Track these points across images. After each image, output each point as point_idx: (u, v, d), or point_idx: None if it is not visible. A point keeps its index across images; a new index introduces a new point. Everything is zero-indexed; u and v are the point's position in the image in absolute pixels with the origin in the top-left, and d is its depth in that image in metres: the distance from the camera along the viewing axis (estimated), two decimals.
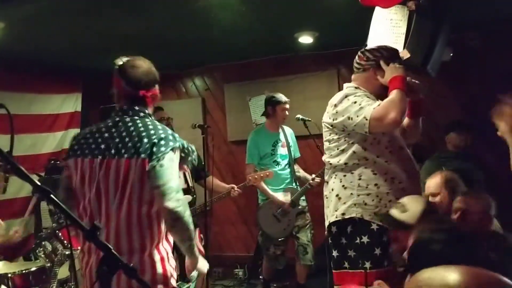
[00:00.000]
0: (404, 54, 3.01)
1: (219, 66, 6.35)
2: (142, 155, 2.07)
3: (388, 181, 2.68)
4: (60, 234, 3.64)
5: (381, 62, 2.72)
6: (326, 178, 2.90)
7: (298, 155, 5.00)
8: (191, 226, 2.16)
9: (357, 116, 2.59)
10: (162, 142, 2.09)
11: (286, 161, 4.80)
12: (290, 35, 4.99)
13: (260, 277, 5.33)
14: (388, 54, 2.77)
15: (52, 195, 1.23)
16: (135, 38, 4.90)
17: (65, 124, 5.97)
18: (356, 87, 2.77)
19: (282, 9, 4.21)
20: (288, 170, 4.79)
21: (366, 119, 2.55)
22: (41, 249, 3.62)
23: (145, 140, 2.08)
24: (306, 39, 5.10)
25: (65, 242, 3.61)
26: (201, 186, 4.48)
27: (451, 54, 3.92)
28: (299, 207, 4.70)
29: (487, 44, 4.96)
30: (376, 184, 2.67)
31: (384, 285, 2.52)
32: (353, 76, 2.88)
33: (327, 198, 2.85)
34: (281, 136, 4.85)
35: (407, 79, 2.70)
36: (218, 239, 6.18)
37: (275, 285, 5.45)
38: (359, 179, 2.68)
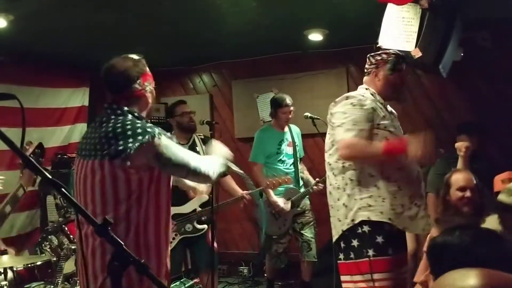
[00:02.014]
0: (416, 53, 3.00)
1: (227, 63, 6.33)
2: (106, 156, 1.98)
3: (385, 181, 2.72)
4: (66, 228, 3.63)
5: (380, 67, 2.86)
6: (327, 175, 2.95)
7: (302, 154, 4.97)
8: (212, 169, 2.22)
9: (334, 133, 2.78)
10: (129, 140, 1.97)
11: (291, 161, 4.78)
12: (300, 32, 4.96)
13: (265, 274, 5.32)
14: (387, 57, 2.86)
15: (63, 189, 1.21)
16: (143, 33, 4.89)
17: (72, 118, 5.97)
18: (366, 88, 2.90)
19: (292, 6, 4.19)
20: (293, 169, 4.76)
21: (335, 141, 2.76)
22: (47, 243, 3.61)
23: (112, 140, 1.99)
24: (316, 36, 5.07)
25: (71, 236, 3.60)
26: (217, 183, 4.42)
27: (462, 54, 3.89)
28: (298, 209, 4.68)
29: (498, 44, 4.92)
30: (375, 185, 2.72)
31: None
32: (364, 79, 2.99)
33: (332, 207, 2.90)
34: (288, 135, 4.82)
35: (400, 155, 2.70)
36: (223, 236, 6.17)
37: (279, 283, 5.44)
38: (358, 184, 2.74)
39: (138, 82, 2.18)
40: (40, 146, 2.82)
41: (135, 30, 4.77)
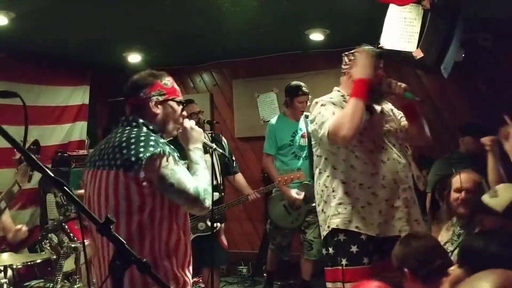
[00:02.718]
0: (418, 53, 2.98)
1: (228, 62, 6.33)
2: (120, 167, 1.98)
3: (356, 188, 2.67)
4: (66, 226, 3.63)
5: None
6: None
7: None
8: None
9: (321, 129, 2.64)
10: (141, 150, 1.97)
11: (305, 153, 4.67)
12: (301, 31, 4.96)
13: (264, 274, 5.31)
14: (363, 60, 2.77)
15: (65, 187, 1.21)
16: (144, 32, 4.88)
17: (72, 116, 5.97)
18: (338, 90, 2.85)
19: (294, 5, 4.18)
20: (307, 162, 4.61)
21: (324, 135, 2.60)
22: (47, 241, 3.60)
23: (124, 150, 1.99)
24: (317, 36, 5.06)
25: (71, 235, 3.60)
26: (228, 181, 4.43)
27: (463, 55, 3.88)
28: (312, 205, 4.66)
29: (499, 45, 4.91)
30: (346, 193, 2.68)
31: None
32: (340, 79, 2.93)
33: (316, 212, 2.90)
34: (302, 125, 4.70)
35: (364, 82, 2.62)
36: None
37: (279, 282, 5.43)
38: (333, 190, 2.72)
39: (143, 91, 2.18)
40: (35, 143, 2.82)
41: (136, 29, 4.76)
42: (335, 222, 2.67)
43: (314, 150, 2.89)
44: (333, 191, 2.70)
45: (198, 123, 4.29)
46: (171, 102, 2.20)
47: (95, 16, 4.26)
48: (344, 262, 2.63)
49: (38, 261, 3.59)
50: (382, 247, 2.69)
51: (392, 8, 3.13)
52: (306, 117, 4.68)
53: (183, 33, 4.96)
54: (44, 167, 1.21)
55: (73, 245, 3.53)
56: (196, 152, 2.24)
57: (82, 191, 2.20)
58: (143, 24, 4.58)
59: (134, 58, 5.78)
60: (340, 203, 2.67)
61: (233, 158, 4.43)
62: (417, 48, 2.98)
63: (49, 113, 5.67)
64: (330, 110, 2.66)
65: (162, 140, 2.08)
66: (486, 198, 2.52)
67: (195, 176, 2.12)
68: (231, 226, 6.23)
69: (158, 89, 2.18)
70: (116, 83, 6.39)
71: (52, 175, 1.21)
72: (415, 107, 2.88)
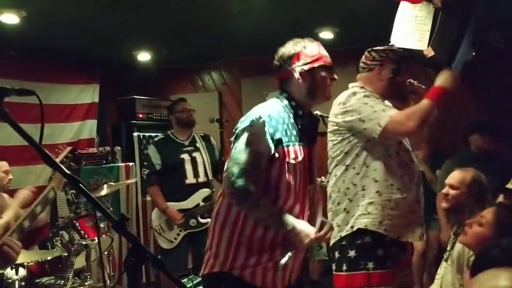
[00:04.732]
0: (429, 52, 2.96)
1: (237, 60, 6.33)
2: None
3: (389, 188, 2.58)
4: (77, 224, 3.65)
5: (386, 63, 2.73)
6: (328, 178, 2.79)
7: None
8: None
9: (370, 120, 2.52)
10: None
11: None
12: (311, 30, 4.95)
13: None
14: (393, 55, 2.75)
15: (81, 184, 1.22)
16: (153, 30, 4.90)
17: (82, 114, 6.00)
18: (361, 87, 2.72)
19: (304, 4, 4.18)
20: None
21: (380, 126, 2.49)
22: (58, 238, 3.63)
23: None
24: (326, 34, 5.05)
25: (82, 232, 3.62)
26: (217, 181, 4.46)
27: (473, 54, 3.86)
28: None
29: (509, 44, 4.88)
30: (377, 192, 2.57)
31: None
32: (358, 76, 2.84)
33: (331, 210, 2.71)
34: None
35: (447, 93, 2.63)
36: None
37: None
38: (362, 189, 2.59)
39: (288, 62, 2.22)
40: (72, 151, 2.85)
41: (145, 27, 4.78)
42: (363, 222, 2.54)
43: (336, 144, 2.68)
44: (362, 189, 2.57)
45: (190, 117, 4.40)
46: (320, 69, 2.21)
47: (105, 14, 4.28)
48: (370, 265, 2.52)
49: (49, 258, 3.62)
50: (400, 248, 2.65)
51: (403, 6, 3.12)
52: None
53: (193, 31, 4.97)
54: (60, 164, 1.22)
55: (84, 243, 3.56)
56: (288, 226, 2.12)
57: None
58: (153, 22, 4.60)
59: (144, 56, 5.80)
60: (371, 203, 2.55)
61: (223, 158, 4.46)
62: (428, 46, 2.98)
63: (59, 112, 5.70)
64: (381, 106, 2.56)
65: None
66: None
67: None
68: None
69: (302, 59, 2.21)
70: (126, 81, 6.43)
71: (68, 172, 1.22)
72: None
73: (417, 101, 2.72)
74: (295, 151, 2.13)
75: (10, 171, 3.91)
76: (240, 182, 2.00)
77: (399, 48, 2.79)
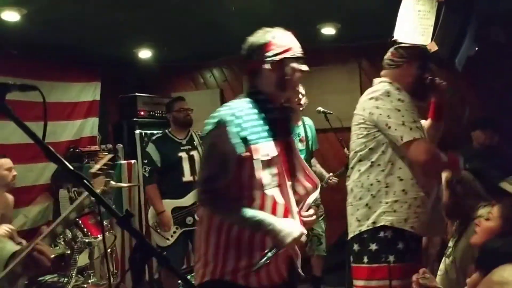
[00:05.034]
0: (432, 47, 2.95)
1: (238, 58, 6.28)
2: None
3: (414, 187, 2.59)
4: (80, 221, 3.64)
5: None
6: (349, 173, 2.78)
7: (316, 147, 4.89)
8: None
9: (395, 130, 2.53)
10: None
11: (302, 157, 4.70)
12: (313, 26, 4.94)
13: None
14: (420, 52, 2.77)
15: (86, 181, 1.21)
16: (154, 28, 4.89)
17: (83, 112, 5.98)
18: (390, 82, 2.71)
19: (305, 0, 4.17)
20: None
21: (402, 140, 2.51)
22: (61, 236, 3.63)
23: None
24: (328, 30, 5.03)
25: (85, 230, 3.62)
26: None
27: (476, 49, 3.85)
28: (312, 204, 4.64)
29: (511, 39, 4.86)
30: (403, 190, 2.58)
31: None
32: (383, 72, 2.82)
33: (351, 205, 2.72)
34: (301, 130, 4.76)
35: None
36: None
37: None
38: (386, 186, 2.59)
39: (257, 52, 2.09)
40: (113, 159, 2.85)
41: (146, 25, 4.77)
42: (388, 219, 2.55)
43: (361, 138, 2.67)
44: (386, 186, 2.58)
45: (187, 117, 4.41)
46: (289, 61, 2.08)
47: (105, 12, 4.27)
48: (391, 259, 2.55)
49: (52, 256, 3.61)
50: (418, 245, 2.71)
51: (406, 0, 3.11)
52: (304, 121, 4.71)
53: (194, 28, 4.95)
54: (65, 162, 1.21)
55: (87, 240, 3.55)
56: (269, 230, 2.03)
57: None
58: (153, 20, 4.58)
59: (145, 54, 5.79)
60: (396, 201, 2.56)
61: None
62: (431, 41, 2.96)
63: (60, 110, 5.69)
64: (411, 118, 2.55)
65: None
66: (507, 186, 2.53)
67: None
68: None
69: (272, 49, 2.07)
70: (127, 79, 6.42)
71: (73, 169, 1.22)
72: (444, 107, 2.93)
73: (438, 98, 2.84)
74: (267, 148, 2.02)
75: (13, 168, 3.90)
76: (208, 187, 1.96)
77: (423, 46, 2.81)
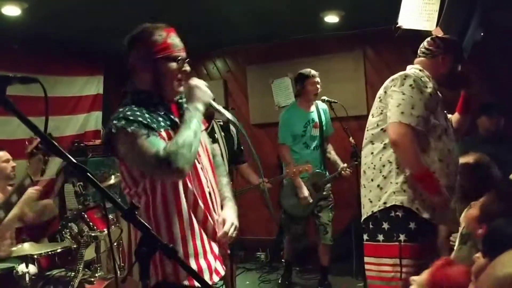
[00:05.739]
0: (437, 32, 2.92)
1: (241, 48, 6.28)
2: None
3: None
4: (86, 215, 3.64)
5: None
6: (363, 153, 2.86)
7: (331, 131, 4.84)
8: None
9: (390, 110, 2.63)
10: None
11: (315, 143, 4.66)
12: (316, 14, 4.89)
13: (282, 260, 5.32)
14: (455, 44, 2.81)
15: (89, 174, 1.20)
16: (156, 19, 4.83)
17: (87, 106, 5.99)
18: (420, 70, 2.78)
19: None
20: (318, 152, 4.66)
21: (389, 120, 2.61)
22: (67, 230, 3.62)
23: None
24: (332, 18, 4.99)
25: (91, 223, 3.61)
26: (235, 169, 4.43)
27: (482, 34, 3.80)
28: (324, 193, 4.64)
29: None
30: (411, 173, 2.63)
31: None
32: (417, 60, 2.87)
33: (364, 187, 2.80)
34: (315, 115, 4.69)
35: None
36: (239, 222, 6.14)
37: (297, 268, 5.43)
38: (397, 167, 2.65)
39: (130, 50, 2.02)
40: (49, 135, 2.84)
41: (148, 16, 4.72)
42: (399, 199, 2.62)
43: (376, 117, 2.77)
44: (397, 167, 2.65)
45: (209, 113, 4.32)
46: (163, 61, 1.97)
47: (108, 5, 4.24)
48: (402, 238, 2.62)
49: (59, 250, 3.62)
50: (432, 228, 2.75)
51: None
52: (317, 106, 4.72)
53: (196, 18, 4.92)
54: (67, 155, 1.20)
55: (93, 234, 3.54)
56: (190, 111, 1.97)
57: None
58: (155, 11, 4.55)
59: None
60: (405, 181, 2.63)
61: (242, 147, 4.41)
62: (436, 26, 2.93)
63: (64, 104, 5.69)
64: (413, 102, 2.59)
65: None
66: None
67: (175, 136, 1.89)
68: (248, 212, 6.23)
69: (148, 47, 1.98)
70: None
71: (76, 162, 1.20)
72: (472, 101, 3.02)
73: (467, 91, 2.97)
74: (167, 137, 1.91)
75: (11, 159, 3.88)
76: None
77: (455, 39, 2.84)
